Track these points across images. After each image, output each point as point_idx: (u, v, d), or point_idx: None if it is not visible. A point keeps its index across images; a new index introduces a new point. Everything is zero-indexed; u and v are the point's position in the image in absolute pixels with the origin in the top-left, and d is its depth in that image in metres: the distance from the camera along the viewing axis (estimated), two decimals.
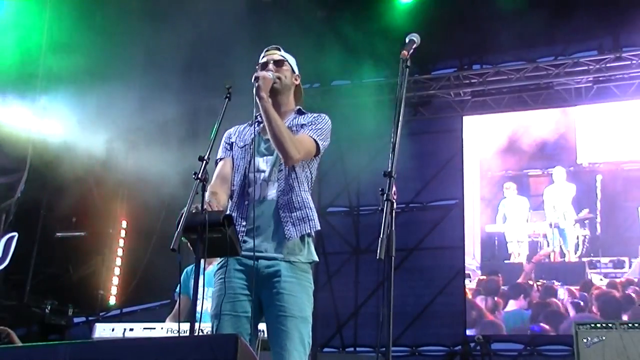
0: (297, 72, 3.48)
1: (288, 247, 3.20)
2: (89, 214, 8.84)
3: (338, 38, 8.60)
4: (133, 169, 8.80)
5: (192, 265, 5.21)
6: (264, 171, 3.31)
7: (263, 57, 3.44)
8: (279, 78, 3.34)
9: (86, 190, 8.54)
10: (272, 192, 3.27)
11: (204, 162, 3.04)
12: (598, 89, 9.06)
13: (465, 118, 9.68)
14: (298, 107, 3.43)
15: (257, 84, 3.21)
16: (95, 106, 7.99)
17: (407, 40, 3.00)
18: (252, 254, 3.20)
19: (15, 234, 7.78)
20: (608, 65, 8.87)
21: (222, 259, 3.27)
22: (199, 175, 2.99)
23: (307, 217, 3.27)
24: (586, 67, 8.96)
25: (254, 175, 3.31)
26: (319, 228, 3.33)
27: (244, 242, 3.22)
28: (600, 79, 9.02)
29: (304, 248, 3.25)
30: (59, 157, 7.99)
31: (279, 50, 3.48)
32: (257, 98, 3.21)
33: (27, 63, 7.94)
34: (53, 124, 8.06)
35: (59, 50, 8.01)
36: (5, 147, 7.91)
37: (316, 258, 3.31)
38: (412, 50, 2.96)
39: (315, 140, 3.31)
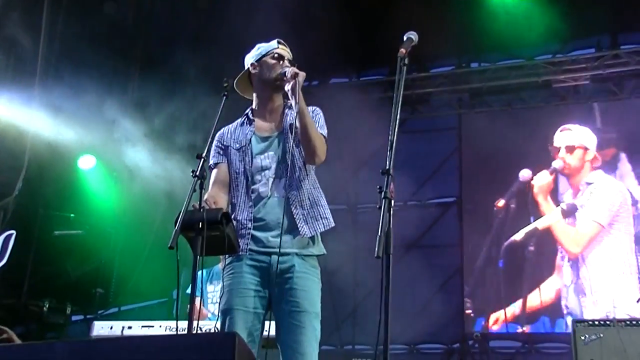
0: None
1: (301, 242, 3.21)
2: (87, 211, 8.83)
3: (337, 34, 8.58)
4: (131, 167, 8.80)
5: (208, 268, 5.24)
6: (268, 168, 3.30)
7: (277, 47, 3.42)
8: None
9: (84, 188, 8.53)
10: (280, 188, 3.26)
11: (202, 159, 3.04)
12: (596, 87, 9.07)
13: (463, 116, 9.69)
14: (290, 103, 3.36)
15: (297, 80, 3.21)
16: (94, 104, 7.99)
17: (405, 39, 3.00)
18: (264, 249, 3.20)
19: (13, 231, 7.77)
20: (606, 63, 8.88)
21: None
22: (197, 173, 2.99)
23: (320, 215, 3.28)
24: (584, 65, 8.97)
25: (259, 174, 3.30)
26: (334, 225, 3.33)
27: (253, 237, 3.21)
28: (599, 77, 9.02)
29: (315, 242, 3.27)
30: (57, 154, 7.99)
31: (287, 47, 3.48)
32: (291, 95, 3.21)
33: (26, 60, 7.94)
34: (51, 121, 8.06)
35: (59, 47, 8.02)
36: (3, 144, 7.90)
37: (325, 251, 3.32)
38: (409, 48, 2.96)
39: (325, 137, 3.34)
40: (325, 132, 3.36)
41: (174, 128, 8.56)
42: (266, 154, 3.31)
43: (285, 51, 3.43)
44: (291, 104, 3.32)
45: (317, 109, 3.45)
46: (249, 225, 3.22)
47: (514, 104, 9.47)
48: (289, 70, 3.26)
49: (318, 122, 3.37)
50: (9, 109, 7.93)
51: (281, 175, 3.26)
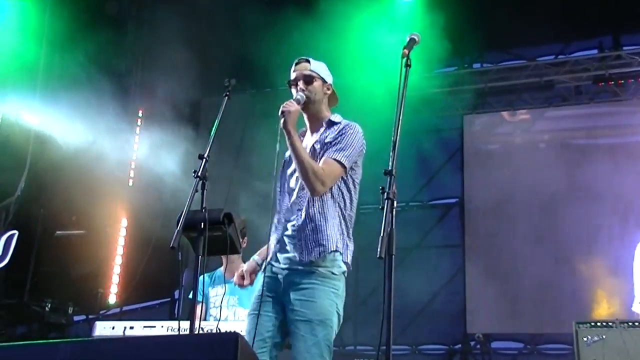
0: (328, 81, 3.45)
1: (311, 261, 3.22)
2: (88, 212, 8.82)
3: (339, 37, 8.58)
4: (134, 166, 8.80)
5: (210, 272, 5.21)
6: (293, 190, 3.33)
7: (293, 70, 3.42)
8: (308, 97, 3.33)
9: (86, 189, 8.52)
10: (295, 213, 3.29)
11: (204, 160, 3.04)
12: (598, 88, 9.06)
13: (465, 117, 9.68)
14: (328, 118, 3.40)
15: (283, 119, 3.19)
16: (96, 104, 7.99)
17: (408, 39, 3.00)
18: (277, 264, 3.28)
19: (15, 232, 7.78)
20: (608, 63, 8.87)
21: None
22: (199, 174, 2.99)
23: (318, 242, 3.23)
24: (586, 66, 8.96)
25: (290, 194, 3.36)
26: (332, 250, 3.24)
27: (272, 258, 3.31)
28: (601, 77, 9.02)
29: (327, 261, 3.23)
30: (58, 155, 7.98)
31: (309, 62, 3.43)
32: (284, 131, 3.21)
33: (28, 61, 7.94)
34: (53, 122, 8.06)
35: (60, 48, 8.03)
36: (5, 144, 7.91)
37: (342, 268, 3.29)
38: (412, 49, 2.96)
39: (339, 161, 3.28)
40: (342, 155, 3.28)
41: (177, 128, 8.56)
42: (296, 176, 3.34)
43: (298, 71, 3.40)
44: (328, 120, 3.38)
45: (349, 125, 3.38)
46: (274, 248, 3.32)
47: (516, 104, 9.47)
48: (281, 108, 3.23)
49: (340, 142, 3.30)
50: (11, 109, 7.93)
51: (301, 198, 3.29)
